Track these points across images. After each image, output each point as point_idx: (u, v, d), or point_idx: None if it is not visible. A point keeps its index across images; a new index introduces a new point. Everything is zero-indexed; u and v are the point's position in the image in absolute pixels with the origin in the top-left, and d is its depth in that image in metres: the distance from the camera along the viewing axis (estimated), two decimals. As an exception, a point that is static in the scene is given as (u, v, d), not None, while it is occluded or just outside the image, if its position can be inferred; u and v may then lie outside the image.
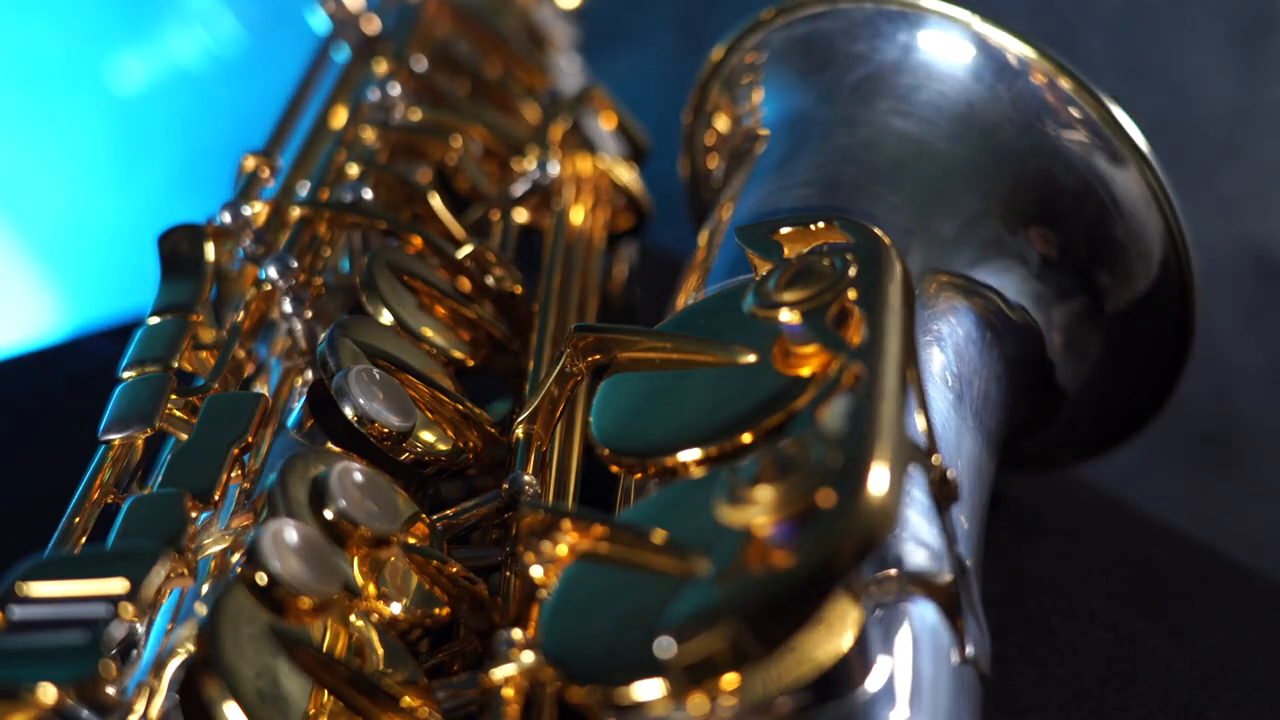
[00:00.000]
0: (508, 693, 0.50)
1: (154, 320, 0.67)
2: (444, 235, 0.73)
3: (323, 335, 0.63)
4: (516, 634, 0.51)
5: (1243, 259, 1.22)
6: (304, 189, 0.76)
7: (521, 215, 0.80)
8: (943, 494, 0.54)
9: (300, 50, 0.90)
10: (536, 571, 0.52)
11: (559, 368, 0.61)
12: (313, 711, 0.50)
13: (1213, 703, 0.72)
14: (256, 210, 0.73)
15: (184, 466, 0.59)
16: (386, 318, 0.66)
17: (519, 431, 0.62)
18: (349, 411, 0.60)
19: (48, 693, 0.47)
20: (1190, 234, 0.69)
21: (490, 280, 0.72)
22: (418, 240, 0.71)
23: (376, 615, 0.54)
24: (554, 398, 0.62)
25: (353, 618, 0.54)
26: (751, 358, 0.56)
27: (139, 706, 0.50)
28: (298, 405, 0.65)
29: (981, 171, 0.69)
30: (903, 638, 0.52)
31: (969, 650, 0.54)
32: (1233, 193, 1.23)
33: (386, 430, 0.60)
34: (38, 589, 0.51)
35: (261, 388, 0.67)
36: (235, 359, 0.67)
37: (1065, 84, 0.68)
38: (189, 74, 1.36)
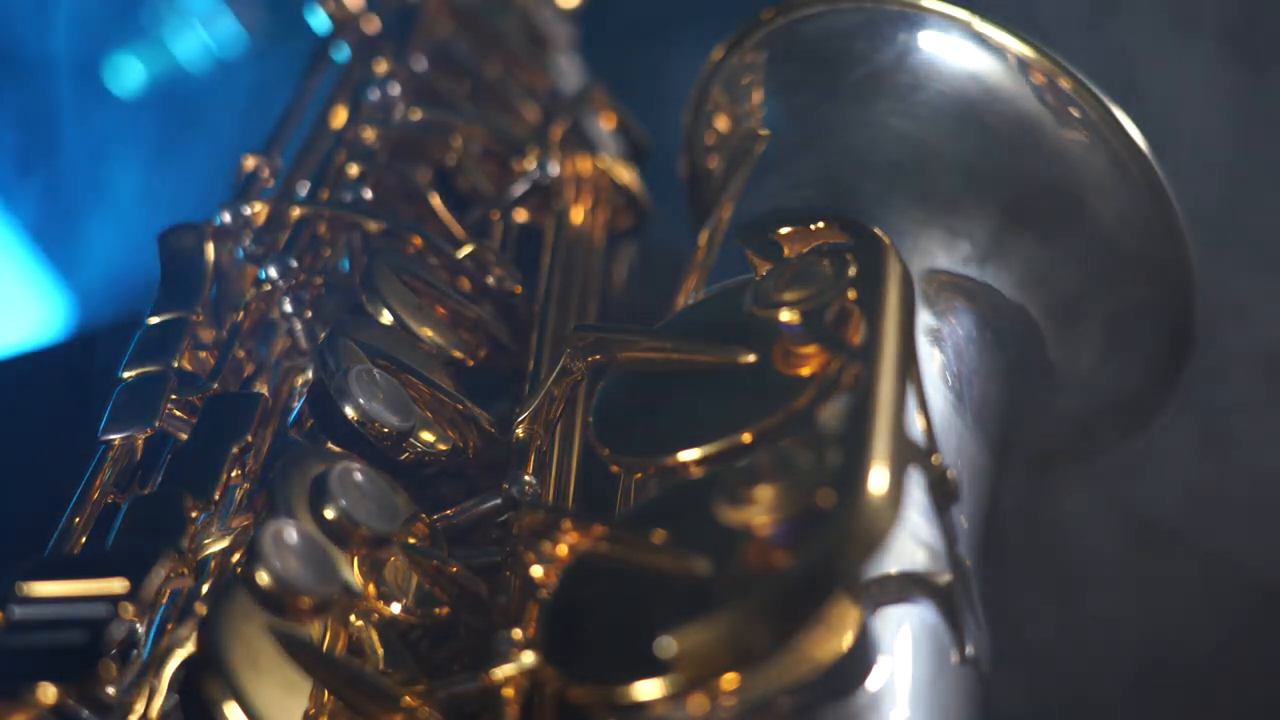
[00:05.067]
0: (508, 693, 0.50)
1: (154, 320, 0.67)
2: (444, 235, 0.73)
3: (323, 335, 0.63)
4: (516, 634, 0.51)
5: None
6: (304, 189, 0.76)
7: (521, 215, 0.80)
8: (943, 494, 0.54)
9: (300, 50, 0.90)
10: (536, 571, 0.52)
11: (559, 368, 0.61)
12: (313, 711, 0.50)
13: (1217, 704, 0.72)
14: (256, 210, 0.73)
15: (184, 466, 0.59)
16: (386, 318, 0.66)
17: (519, 431, 0.61)
18: (349, 411, 0.60)
19: (48, 693, 0.47)
20: (1191, 233, 0.69)
21: (490, 280, 0.72)
22: (418, 240, 0.71)
23: (376, 615, 0.54)
24: (554, 398, 0.62)
25: (353, 618, 0.54)
26: (751, 358, 0.56)
27: (139, 706, 0.50)
28: (298, 405, 0.65)
29: (981, 171, 0.69)
30: (903, 638, 0.52)
31: (969, 650, 0.54)
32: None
33: (386, 430, 0.60)
34: (38, 589, 0.51)
35: (261, 388, 0.67)
36: (235, 359, 0.67)
37: (1065, 84, 0.68)
38: (189, 74, 1.36)
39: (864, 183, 0.69)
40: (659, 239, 0.92)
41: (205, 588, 0.55)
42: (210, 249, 0.71)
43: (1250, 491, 0.89)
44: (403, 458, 0.61)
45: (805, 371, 0.54)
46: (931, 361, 0.63)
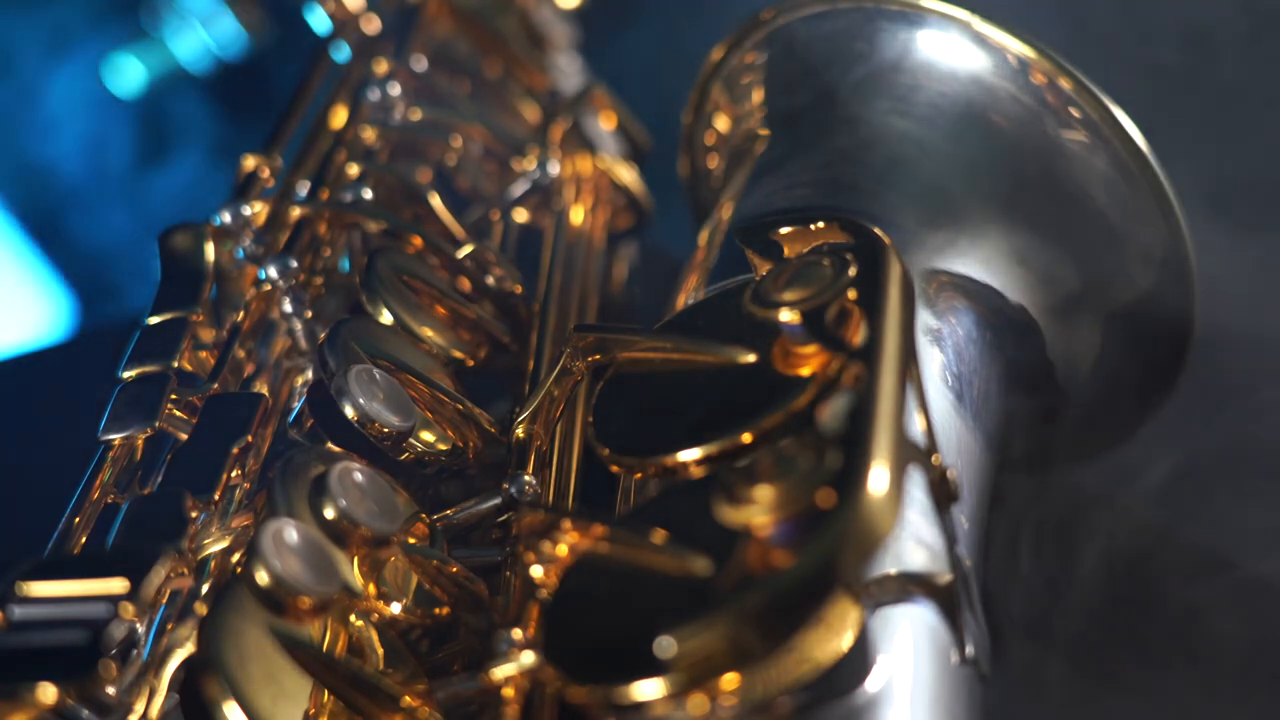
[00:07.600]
0: (508, 693, 0.51)
1: (154, 320, 0.67)
2: (444, 235, 0.73)
3: (323, 335, 0.63)
4: (516, 634, 0.51)
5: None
6: (304, 189, 0.76)
7: (521, 215, 0.80)
8: (943, 494, 0.54)
9: (300, 50, 0.90)
10: (536, 571, 0.52)
11: (559, 368, 0.61)
12: (313, 711, 0.50)
13: (1214, 704, 0.72)
14: (256, 210, 0.73)
15: (184, 466, 0.59)
16: (386, 318, 0.66)
17: (519, 431, 0.62)
18: (349, 411, 0.60)
19: (48, 693, 0.47)
20: (1190, 233, 0.69)
21: (490, 280, 0.72)
22: (418, 240, 0.71)
23: (376, 615, 0.54)
24: (554, 398, 0.62)
25: (353, 618, 0.54)
26: (751, 358, 0.56)
27: (139, 706, 0.50)
28: (298, 405, 0.65)
29: (981, 171, 0.69)
30: (903, 638, 0.52)
31: (969, 650, 0.54)
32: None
33: (386, 430, 0.60)
34: (38, 589, 0.51)
35: (261, 388, 0.67)
36: (235, 359, 0.67)
37: (1065, 84, 0.68)
38: (189, 74, 1.36)
39: (864, 182, 0.69)
40: (659, 239, 0.92)
41: (205, 588, 0.55)
42: (210, 249, 0.71)
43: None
44: (403, 458, 0.61)
45: (805, 371, 0.54)
46: (931, 361, 0.63)
